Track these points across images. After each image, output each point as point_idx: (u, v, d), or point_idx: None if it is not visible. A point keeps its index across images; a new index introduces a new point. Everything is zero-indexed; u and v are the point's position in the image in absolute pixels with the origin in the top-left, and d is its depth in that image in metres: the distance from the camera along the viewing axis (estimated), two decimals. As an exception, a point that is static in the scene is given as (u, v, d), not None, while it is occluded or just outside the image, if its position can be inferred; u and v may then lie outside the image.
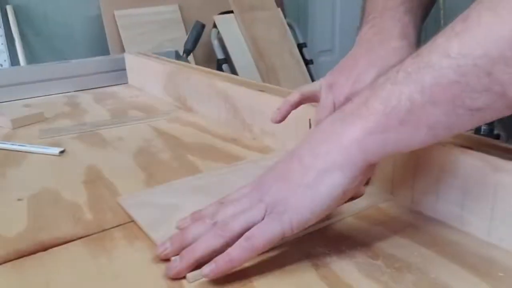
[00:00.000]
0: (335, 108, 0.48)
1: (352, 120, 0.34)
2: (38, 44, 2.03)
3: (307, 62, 2.48)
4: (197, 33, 2.08)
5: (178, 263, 0.35)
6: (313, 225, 0.40)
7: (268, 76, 2.24)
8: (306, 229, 0.39)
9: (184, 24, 2.25)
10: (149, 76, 0.98)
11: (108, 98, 0.97)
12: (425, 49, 0.32)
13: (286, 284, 0.34)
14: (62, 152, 0.64)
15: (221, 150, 0.63)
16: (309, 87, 0.52)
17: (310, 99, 0.52)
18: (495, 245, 0.37)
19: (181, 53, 1.68)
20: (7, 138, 0.72)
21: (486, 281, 0.33)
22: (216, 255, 0.34)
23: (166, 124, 0.76)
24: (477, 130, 1.18)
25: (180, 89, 0.87)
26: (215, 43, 2.21)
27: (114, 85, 1.08)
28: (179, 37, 2.19)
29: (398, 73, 0.33)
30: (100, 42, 2.12)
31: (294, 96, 0.51)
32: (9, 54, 1.94)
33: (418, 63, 0.32)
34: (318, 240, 0.39)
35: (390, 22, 0.48)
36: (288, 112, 0.52)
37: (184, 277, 0.35)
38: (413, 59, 0.32)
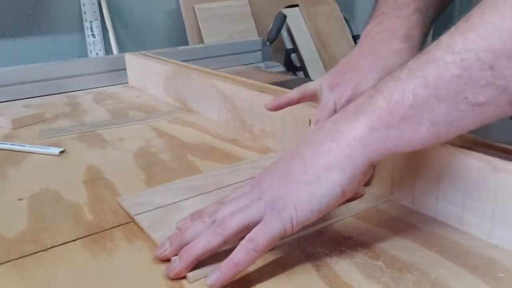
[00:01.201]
0: (336, 109, 0.48)
1: (356, 117, 0.35)
2: (125, 36, 2.23)
3: (361, 54, 2.57)
4: (280, 23, 2.21)
5: (177, 263, 0.35)
6: (313, 225, 0.40)
7: (331, 65, 2.35)
8: (306, 229, 0.39)
9: (253, 17, 2.39)
10: (149, 76, 0.98)
11: (108, 98, 0.97)
12: (429, 48, 0.33)
13: (286, 285, 0.34)
14: (62, 152, 0.64)
15: (221, 151, 0.63)
16: (310, 86, 0.52)
17: (310, 98, 0.52)
18: (496, 246, 0.37)
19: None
20: (7, 138, 0.72)
21: (486, 282, 0.33)
22: (217, 257, 0.34)
23: (166, 125, 0.76)
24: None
25: (180, 89, 0.86)
26: (285, 34, 2.33)
27: (114, 85, 1.08)
28: (249, 29, 2.35)
29: (402, 71, 0.33)
30: (178, 34, 2.30)
31: (293, 93, 0.52)
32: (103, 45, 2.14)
33: (422, 60, 0.32)
34: (318, 240, 0.39)
35: (396, 22, 0.48)
36: (284, 106, 0.52)
37: (184, 277, 0.35)
38: (417, 58, 0.33)
